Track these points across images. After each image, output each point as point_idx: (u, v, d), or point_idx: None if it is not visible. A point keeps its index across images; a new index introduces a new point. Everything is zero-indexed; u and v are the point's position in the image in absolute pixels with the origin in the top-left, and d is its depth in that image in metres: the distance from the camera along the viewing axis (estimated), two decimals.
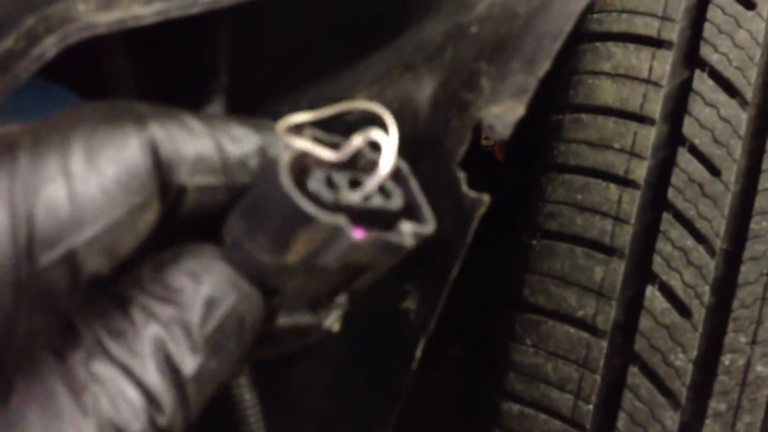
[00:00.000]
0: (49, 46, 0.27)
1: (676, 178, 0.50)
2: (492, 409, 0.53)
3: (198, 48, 0.34)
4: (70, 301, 0.22)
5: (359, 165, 0.26)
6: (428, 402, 0.72)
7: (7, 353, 0.22)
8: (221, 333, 0.24)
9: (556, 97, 0.54)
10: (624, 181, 0.51)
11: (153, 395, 0.22)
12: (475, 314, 0.63)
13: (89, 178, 0.22)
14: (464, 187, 0.30)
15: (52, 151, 0.22)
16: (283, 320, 0.27)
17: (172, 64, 0.36)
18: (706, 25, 0.51)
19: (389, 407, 0.37)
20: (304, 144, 0.24)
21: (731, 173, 0.50)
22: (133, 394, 0.22)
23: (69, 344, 0.22)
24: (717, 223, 0.49)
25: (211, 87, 0.33)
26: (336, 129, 0.37)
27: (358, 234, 0.24)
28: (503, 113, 0.29)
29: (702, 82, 0.51)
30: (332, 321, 0.29)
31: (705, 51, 0.51)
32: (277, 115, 0.41)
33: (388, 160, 0.25)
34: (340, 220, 0.24)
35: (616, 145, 0.51)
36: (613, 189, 0.51)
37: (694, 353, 0.49)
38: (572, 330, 0.51)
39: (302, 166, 0.25)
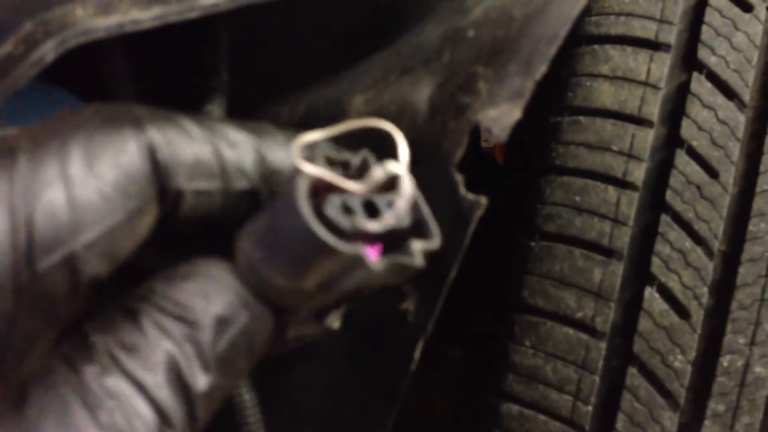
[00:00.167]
0: (48, 51, 0.27)
1: (675, 180, 0.50)
2: (491, 410, 0.53)
3: (198, 48, 0.34)
4: (70, 305, 0.22)
5: (368, 179, 0.26)
6: (428, 403, 0.72)
7: (7, 356, 0.22)
8: (232, 352, 0.24)
9: (555, 99, 0.54)
10: (622, 183, 0.51)
11: (164, 412, 0.22)
12: (474, 316, 0.63)
13: (88, 183, 0.22)
14: (462, 190, 0.30)
15: (51, 155, 0.22)
16: (292, 332, 0.27)
17: (171, 65, 0.36)
18: (704, 27, 0.51)
19: (388, 408, 0.37)
20: (323, 173, 0.24)
21: (729, 175, 0.50)
22: (145, 410, 0.22)
23: (82, 356, 0.22)
24: (715, 225, 0.49)
25: (211, 87, 0.34)
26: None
27: (373, 257, 0.25)
28: (500, 116, 0.29)
29: (700, 85, 0.51)
30: (332, 319, 0.29)
31: (703, 53, 0.51)
32: (276, 117, 0.41)
33: (407, 190, 0.25)
34: (360, 249, 0.24)
35: (615, 148, 0.51)
36: (612, 191, 0.51)
37: (693, 354, 0.49)
38: (571, 331, 0.51)
39: (315, 185, 0.25)
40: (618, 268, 0.50)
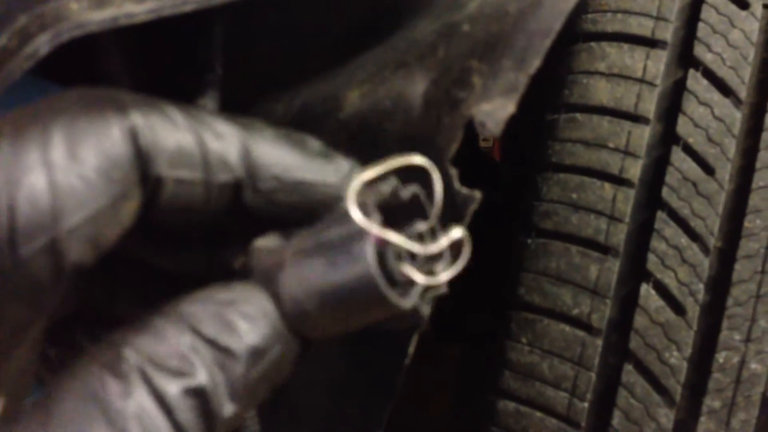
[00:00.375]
0: (42, 44, 0.27)
1: (671, 176, 0.50)
2: (488, 407, 0.53)
3: (192, 42, 0.35)
4: (56, 292, 0.22)
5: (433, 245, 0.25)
6: (427, 401, 0.72)
7: None
8: (261, 382, 0.24)
9: (552, 96, 0.54)
10: (618, 180, 0.51)
11: None
12: (471, 313, 0.63)
13: (70, 168, 0.22)
14: (456, 184, 0.30)
15: (33, 140, 0.22)
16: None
17: (166, 60, 0.36)
18: (700, 24, 0.52)
19: (383, 403, 0.37)
20: (390, 235, 0.24)
21: (725, 172, 0.50)
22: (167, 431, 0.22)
23: (111, 367, 0.22)
24: (711, 222, 0.49)
25: (205, 81, 0.34)
26: (327, 129, 0.37)
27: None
28: (494, 110, 0.29)
29: (696, 82, 0.51)
30: None
31: (699, 50, 0.51)
32: (271, 113, 0.41)
33: (467, 254, 0.25)
34: (419, 304, 0.25)
35: (611, 145, 0.51)
36: (608, 188, 0.51)
37: (689, 351, 0.49)
38: (567, 328, 0.51)
39: (362, 200, 0.25)
40: (614, 265, 0.50)
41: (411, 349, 0.34)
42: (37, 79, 0.37)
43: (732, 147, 0.50)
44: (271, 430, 0.41)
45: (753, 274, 0.49)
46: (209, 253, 0.31)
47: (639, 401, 0.49)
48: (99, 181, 0.22)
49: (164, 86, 0.25)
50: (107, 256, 0.30)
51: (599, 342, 0.50)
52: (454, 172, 0.30)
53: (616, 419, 0.49)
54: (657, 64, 0.51)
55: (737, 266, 0.49)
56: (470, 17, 0.34)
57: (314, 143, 0.28)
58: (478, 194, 0.29)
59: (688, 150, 0.50)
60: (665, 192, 0.50)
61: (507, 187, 0.61)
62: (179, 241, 0.30)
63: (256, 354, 0.23)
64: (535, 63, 0.29)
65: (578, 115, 0.53)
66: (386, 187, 0.26)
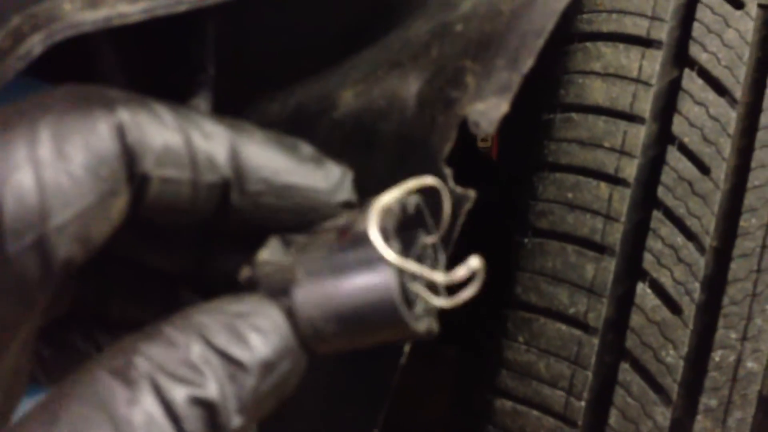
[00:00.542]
0: (35, 44, 0.27)
1: (666, 176, 0.50)
2: (485, 406, 0.53)
3: (185, 42, 0.35)
4: (45, 290, 0.22)
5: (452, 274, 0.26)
6: (423, 401, 0.72)
7: None
8: (269, 397, 0.24)
9: (547, 96, 0.54)
10: (614, 180, 0.51)
11: None
12: (468, 313, 0.63)
13: (57, 166, 0.22)
14: (451, 183, 0.30)
15: (20, 137, 0.22)
16: None
17: (159, 60, 0.36)
18: (695, 24, 0.52)
19: (379, 404, 0.37)
20: (412, 266, 0.24)
21: (720, 171, 0.50)
22: None
23: (119, 373, 0.22)
24: (707, 221, 0.50)
25: (197, 81, 0.34)
26: (322, 128, 0.37)
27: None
28: (488, 110, 0.29)
29: (691, 81, 0.51)
30: None
31: (694, 50, 0.51)
32: (266, 113, 0.41)
33: (479, 282, 0.25)
34: (434, 325, 0.25)
35: (607, 144, 0.52)
36: (604, 187, 0.51)
37: (685, 350, 0.49)
38: (564, 327, 0.51)
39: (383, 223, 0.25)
40: (610, 264, 0.50)
41: (406, 349, 0.34)
42: (31, 80, 0.37)
43: (727, 146, 0.50)
44: (264, 429, 0.41)
45: (749, 273, 0.49)
46: (200, 254, 0.31)
47: (636, 400, 0.49)
48: (86, 179, 0.22)
49: (157, 86, 0.25)
50: (99, 255, 0.30)
51: (596, 341, 0.50)
52: (448, 171, 0.30)
53: (613, 418, 0.49)
54: (652, 64, 0.52)
55: (733, 265, 0.49)
56: (464, 17, 0.34)
57: (306, 148, 0.27)
58: (472, 193, 0.29)
59: (684, 149, 0.51)
60: (661, 191, 0.50)
61: (504, 187, 0.61)
62: (169, 241, 0.30)
63: (267, 367, 0.23)
64: (528, 62, 0.29)
65: (574, 115, 0.53)
66: (398, 206, 0.26)
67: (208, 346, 0.23)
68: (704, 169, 0.50)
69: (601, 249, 0.51)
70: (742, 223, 0.49)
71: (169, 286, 0.33)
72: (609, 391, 0.50)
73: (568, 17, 0.53)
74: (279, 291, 0.25)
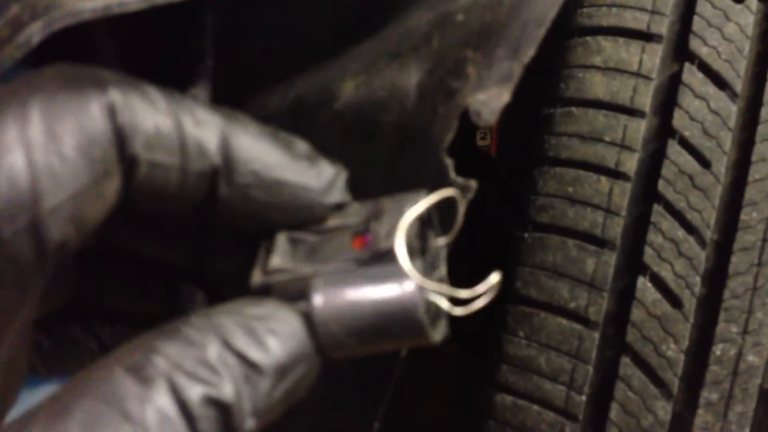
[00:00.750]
0: (35, 33, 0.27)
1: (667, 170, 0.50)
2: (485, 401, 0.53)
3: (184, 33, 0.34)
4: (40, 274, 0.22)
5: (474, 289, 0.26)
6: (422, 397, 0.72)
7: None
8: (283, 400, 0.24)
9: (547, 90, 0.54)
10: (615, 174, 0.51)
11: None
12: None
13: (49, 147, 0.22)
14: (452, 174, 0.30)
15: (11, 119, 0.22)
16: None
17: (158, 50, 0.36)
18: (696, 18, 0.52)
19: (378, 399, 0.37)
20: (439, 287, 0.24)
21: (721, 165, 0.50)
22: None
23: (136, 370, 0.21)
24: (707, 215, 0.50)
25: (196, 72, 0.34)
26: (322, 120, 0.37)
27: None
28: (489, 100, 0.29)
29: (692, 75, 0.51)
30: None
31: (694, 44, 0.51)
32: (265, 106, 0.41)
33: (493, 292, 0.25)
34: (447, 331, 0.25)
35: (607, 138, 0.51)
36: (604, 181, 0.51)
37: (686, 344, 0.49)
38: (564, 322, 0.51)
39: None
40: (611, 258, 0.50)
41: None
42: (29, 71, 0.36)
43: (728, 140, 0.50)
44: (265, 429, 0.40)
45: (749, 267, 0.49)
46: (197, 246, 0.31)
47: (636, 394, 0.49)
48: (78, 160, 0.22)
49: (156, 78, 0.25)
50: (97, 247, 0.30)
51: (596, 335, 0.50)
52: (449, 161, 0.30)
53: (614, 412, 0.49)
54: (653, 58, 0.51)
55: (734, 259, 0.49)
56: (464, 7, 0.34)
57: (301, 145, 0.27)
58: (474, 183, 0.29)
59: (684, 143, 0.50)
60: (661, 185, 0.50)
61: (503, 183, 0.61)
62: (166, 232, 0.30)
63: (282, 371, 0.23)
64: (530, 52, 0.29)
65: (574, 109, 0.53)
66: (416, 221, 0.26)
67: (225, 347, 0.22)
68: (705, 163, 0.50)
69: (601, 243, 0.50)
70: (742, 216, 0.49)
71: (168, 279, 0.33)
72: (610, 385, 0.50)
73: (568, 11, 0.53)
74: (295, 297, 0.25)
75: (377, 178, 0.34)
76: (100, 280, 0.32)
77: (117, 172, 0.23)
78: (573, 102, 0.53)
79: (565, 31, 0.54)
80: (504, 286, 0.53)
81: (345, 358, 0.25)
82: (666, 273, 0.49)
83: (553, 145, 0.53)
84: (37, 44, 0.27)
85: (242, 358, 0.22)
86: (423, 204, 0.25)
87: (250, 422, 0.22)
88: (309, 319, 0.24)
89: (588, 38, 0.53)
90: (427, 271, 0.25)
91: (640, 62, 0.52)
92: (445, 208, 0.29)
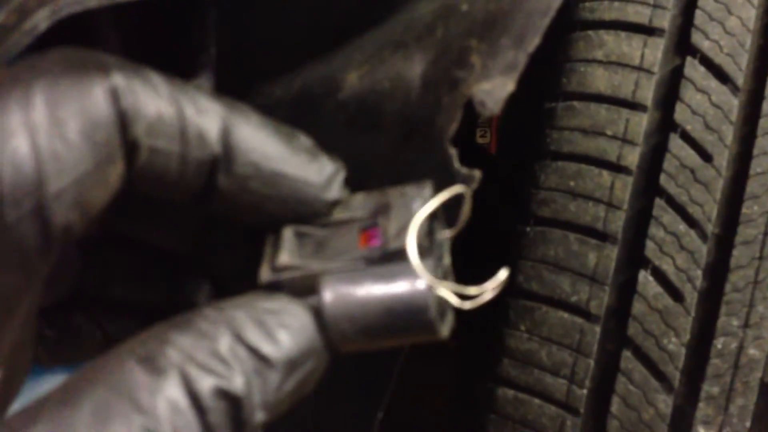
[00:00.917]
0: (41, 20, 0.27)
1: (668, 163, 0.50)
2: (486, 395, 0.53)
3: (187, 22, 0.34)
4: (45, 258, 0.22)
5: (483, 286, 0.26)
6: (423, 392, 0.72)
7: None
8: (292, 394, 0.24)
9: (549, 85, 0.54)
10: (616, 168, 0.51)
11: None
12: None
13: (52, 131, 0.22)
14: (456, 164, 0.30)
15: (14, 103, 0.22)
16: None
17: (161, 40, 0.36)
18: (697, 12, 0.52)
19: (380, 390, 0.37)
20: (446, 285, 0.24)
21: (723, 159, 0.50)
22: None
23: (148, 361, 0.21)
24: (709, 208, 0.50)
25: (199, 62, 0.34)
26: (326, 110, 0.37)
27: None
28: (493, 89, 0.29)
29: (693, 69, 0.51)
30: None
31: (696, 38, 0.51)
32: (269, 96, 0.41)
33: (503, 280, 0.25)
34: (454, 325, 0.26)
35: (609, 132, 0.52)
36: (606, 175, 0.51)
37: (687, 337, 0.49)
38: (566, 315, 0.51)
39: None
40: (612, 252, 0.50)
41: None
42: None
43: (729, 134, 0.50)
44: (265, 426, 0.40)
45: (751, 260, 0.49)
46: (199, 236, 0.31)
47: (637, 387, 0.49)
48: (82, 144, 0.22)
49: (160, 67, 0.25)
50: (102, 237, 0.30)
51: (598, 329, 0.50)
52: (453, 152, 0.30)
53: (615, 405, 0.49)
54: (654, 52, 0.52)
55: (735, 252, 0.49)
56: None
57: (303, 139, 0.27)
58: (478, 173, 0.29)
59: (686, 137, 0.50)
60: (663, 179, 0.50)
61: (503, 180, 0.61)
62: (166, 220, 0.30)
63: (293, 366, 0.23)
64: (534, 41, 0.29)
65: (576, 103, 0.53)
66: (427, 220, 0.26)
67: (237, 340, 0.23)
68: (706, 157, 0.50)
69: (603, 237, 0.51)
70: (744, 210, 0.49)
71: (172, 268, 0.33)
72: (611, 378, 0.50)
73: (570, 5, 0.53)
74: (305, 293, 0.25)
75: (381, 168, 0.34)
76: (105, 269, 0.32)
77: (120, 156, 0.23)
78: (575, 96, 0.53)
79: (567, 25, 0.54)
80: (506, 280, 0.53)
81: (354, 351, 0.25)
82: (667, 267, 0.49)
83: (555, 139, 0.53)
84: (44, 31, 0.27)
85: (254, 351, 0.23)
86: (433, 203, 0.25)
87: (259, 415, 0.22)
88: (319, 315, 0.24)
89: (590, 32, 0.53)
90: (436, 264, 0.25)
91: (642, 56, 0.52)
92: (450, 199, 0.29)
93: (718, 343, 0.49)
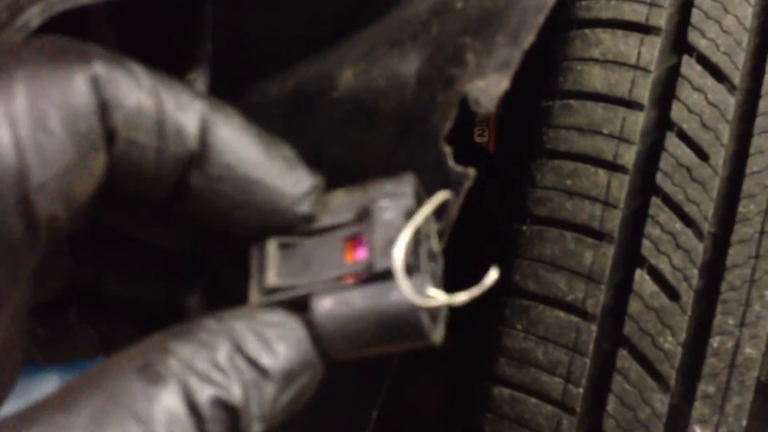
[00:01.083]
0: (33, 17, 0.27)
1: (665, 162, 0.50)
2: (483, 394, 0.53)
3: (183, 18, 0.34)
4: (32, 252, 0.22)
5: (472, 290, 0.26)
6: (420, 391, 0.72)
7: None
8: (288, 405, 0.24)
9: (546, 83, 0.54)
10: (613, 166, 0.51)
11: None
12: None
13: (34, 123, 0.21)
14: (451, 162, 0.30)
15: None
16: None
17: (157, 34, 0.36)
18: (694, 10, 0.52)
19: (375, 389, 0.37)
20: (438, 295, 0.25)
21: (719, 157, 0.50)
22: None
23: (148, 369, 0.22)
24: (705, 207, 0.50)
25: (194, 56, 0.33)
26: (321, 108, 0.37)
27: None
28: (488, 87, 0.29)
29: (690, 68, 0.51)
30: None
31: (693, 36, 0.51)
32: (264, 94, 0.41)
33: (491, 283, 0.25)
34: (444, 330, 0.26)
35: (605, 131, 0.51)
36: (602, 174, 0.51)
37: (683, 336, 0.49)
38: (562, 314, 0.51)
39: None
40: (608, 251, 0.50)
41: None
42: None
43: (726, 132, 0.50)
44: None
45: (747, 259, 0.49)
46: (191, 234, 0.30)
47: (633, 386, 0.49)
48: (64, 135, 0.22)
49: (155, 62, 0.25)
50: (93, 235, 0.29)
51: (594, 328, 0.50)
52: (448, 149, 0.30)
53: (611, 404, 0.49)
54: (651, 51, 0.51)
55: (731, 251, 0.49)
56: None
57: (285, 149, 0.26)
58: (472, 171, 0.29)
59: (682, 136, 0.50)
60: (659, 178, 0.50)
61: (501, 178, 0.61)
62: (158, 217, 0.30)
63: (290, 378, 0.24)
64: (529, 39, 0.29)
65: (572, 102, 0.53)
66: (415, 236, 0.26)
67: (238, 352, 0.23)
68: (703, 156, 0.50)
69: (599, 236, 0.50)
70: (740, 209, 0.49)
71: (166, 266, 0.33)
72: (607, 377, 0.50)
73: (567, 3, 0.53)
74: (298, 309, 0.25)
75: (376, 166, 0.34)
76: (98, 268, 0.32)
77: (103, 146, 0.23)
78: (571, 94, 0.53)
79: (564, 24, 0.54)
80: (502, 279, 0.53)
81: (347, 360, 0.26)
82: (664, 265, 0.49)
83: (552, 137, 0.53)
84: (36, 28, 0.27)
85: (252, 362, 0.23)
86: (419, 218, 0.25)
87: (256, 426, 0.23)
88: (313, 331, 0.25)
89: (586, 30, 0.53)
90: (422, 280, 0.25)
91: (639, 55, 0.52)
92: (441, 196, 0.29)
93: (715, 342, 0.49)
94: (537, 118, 0.54)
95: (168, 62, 0.27)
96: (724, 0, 0.52)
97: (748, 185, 0.49)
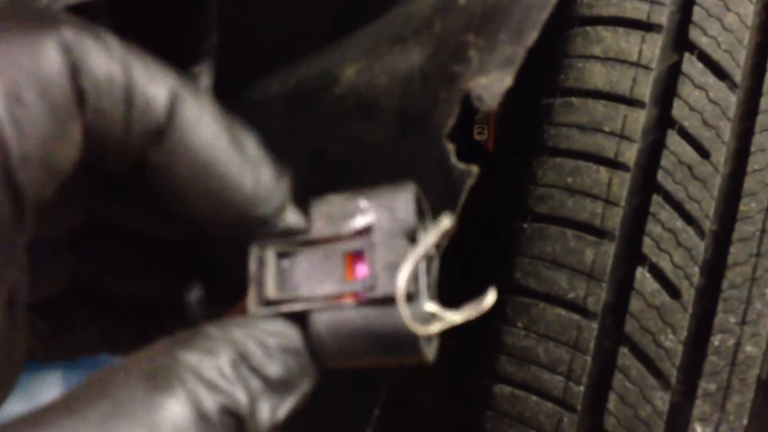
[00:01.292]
0: None
1: (666, 160, 0.50)
2: (483, 391, 0.53)
3: (188, 11, 0.34)
4: (18, 227, 0.22)
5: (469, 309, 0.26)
6: (420, 389, 0.72)
7: None
8: (288, 413, 0.24)
9: (547, 81, 0.54)
10: (614, 164, 0.51)
11: None
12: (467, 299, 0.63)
13: (8, 95, 0.21)
14: (453, 159, 0.30)
15: None
16: None
17: (162, 27, 0.36)
18: (695, 8, 0.51)
19: (377, 387, 0.37)
20: (432, 307, 0.25)
21: (720, 155, 0.50)
22: None
23: (154, 376, 0.21)
24: (706, 205, 0.49)
25: (199, 49, 0.33)
26: (323, 104, 0.37)
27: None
28: (491, 84, 0.29)
29: (691, 65, 0.51)
30: None
31: (694, 34, 0.51)
32: (266, 90, 0.41)
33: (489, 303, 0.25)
34: (438, 345, 0.26)
35: (606, 128, 0.51)
36: (604, 172, 0.51)
37: (684, 334, 0.49)
38: (563, 312, 0.51)
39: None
40: (610, 249, 0.50)
41: None
42: None
43: (727, 130, 0.50)
44: None
45: (748, 257, 0.49)
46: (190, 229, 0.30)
47: (634, 384, 0.49)
48: (39, 104, 0.21)
49: (160, 54, 0.24)
50: (94, 232, 0.29)
51: (595, 325, 0.50)
52: (450, 147, 0.30)
53: (612, 402, 0.49)
54: (652, 48, 0.51)
55: (732, 249, 0.49)
56: None
57: (252, 144, 0.26)
58: (474, 169, 0.29)
59: (684, 133, 0.50)
60: (661, 175, 0.50)
61: (501, 176, 0.61)
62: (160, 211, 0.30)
63: (291, 387, 0.24)
64: (532, 36, 0.29)
65: (574, 99, 0.53)
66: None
67: (243, 361, 0.23)
68: (704, 153, 0.50)
69: (600, 233, 0.50)
70: (741, 207, 0.49)
71: (168, 262, 0.33)
72: (608, 375, 0.50)
73: (568, 1, 0.53)
74: (296, 318, 0.25)
75: (378, 163, 0.33)
76: (100, 264, 0.32)
77: (78, 111, 0.22)
78: (572, 92, 0.53)
79: (565, 21, 0.54)
80: (503, 277, 0.53)
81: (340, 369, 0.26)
82: (665, 263, 0.49)
83: (553, 135, 0.53)
84: None
85: (256, 371, 0.23)
86: (421, 248, 0.25)
87: None
88: (311, 344, 0.25)
89: (588, 28, 0.53)
90: (425, 279, 0.25)
91: (640, 52, 0.52)
92: (442, 195, 0.29)
93: (715, 340, 0.49)
94: (538, 115, 0.54)
95: (173, 55, 0.26)
96: None
97: (749, 183, 0.49)
